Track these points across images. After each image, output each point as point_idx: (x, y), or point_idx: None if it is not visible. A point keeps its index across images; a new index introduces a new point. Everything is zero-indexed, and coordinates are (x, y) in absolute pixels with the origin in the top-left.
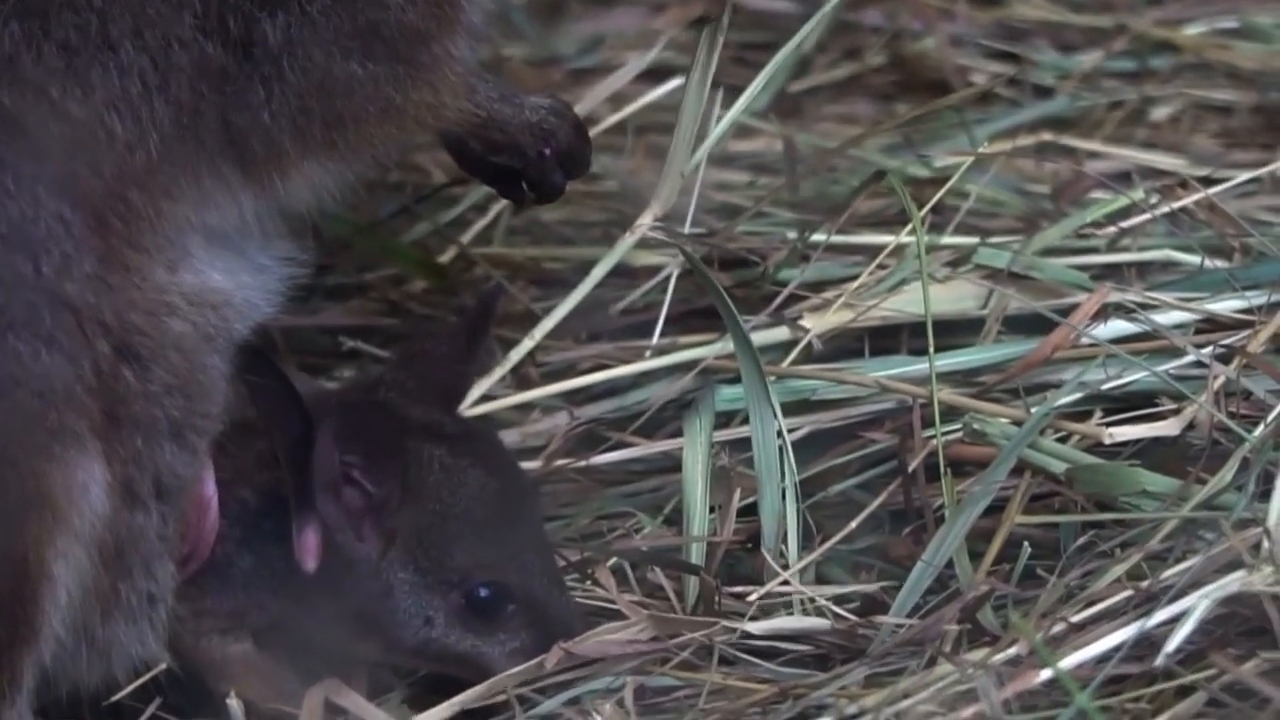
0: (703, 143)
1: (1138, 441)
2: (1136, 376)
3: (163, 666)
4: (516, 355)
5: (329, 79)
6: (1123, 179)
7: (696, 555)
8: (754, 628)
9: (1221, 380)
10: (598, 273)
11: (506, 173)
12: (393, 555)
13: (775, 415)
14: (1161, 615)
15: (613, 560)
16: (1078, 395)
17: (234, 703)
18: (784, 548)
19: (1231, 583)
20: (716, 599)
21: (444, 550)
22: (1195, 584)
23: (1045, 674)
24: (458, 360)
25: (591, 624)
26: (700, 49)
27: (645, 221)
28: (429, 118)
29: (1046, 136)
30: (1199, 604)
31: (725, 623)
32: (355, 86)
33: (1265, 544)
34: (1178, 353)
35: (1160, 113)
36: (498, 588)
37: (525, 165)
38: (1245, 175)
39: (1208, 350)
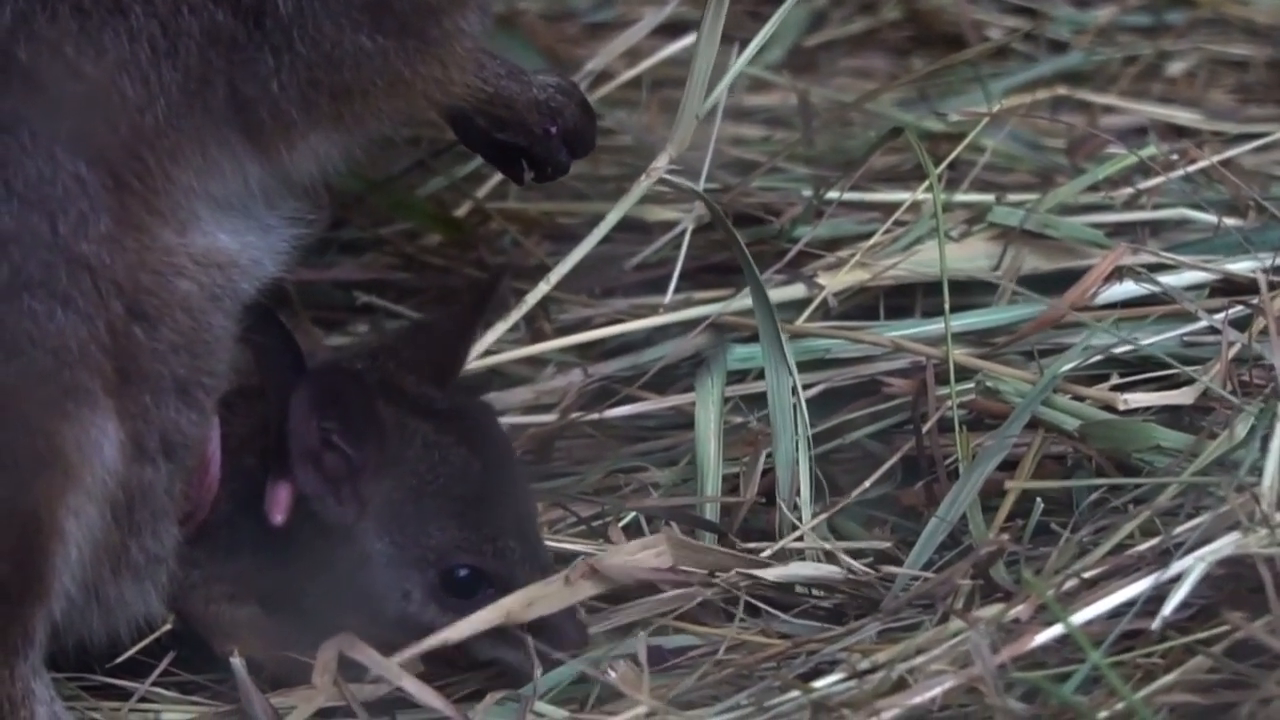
0: (719, 92)
1: (1150, 408)
2: (1151, 340)
3: (168, 627)
4: (532, 299)
5: (338, 51)
6: (1138, 134)
7: (711, 513)
8: (769, 574)
9: (1237, 347)
10: (612, 217)
11: (509, 149)
12: (367, 524)
13: (790, 371)
14: (1172, 573)
15: (630, 516)
16: (1094, 359)
17: (238, 661)
18: (797, 501)
19: (1227, 545)
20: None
21: (420, 527)
22: (1206, 541)
23: (1054, 631)
24: (456, 335)
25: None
26: None
27: (661, 164)
28: (436, 92)
29: (1062, 91)
30: (1195, 566)
31: (740, 568)
32: (364, 59)
33: (1259, 507)
34: (1193, 314)
35: (1176, 67)
36: (475, 571)
37: (531, 143)
38: (1265, 138)
39: (1220, 316)
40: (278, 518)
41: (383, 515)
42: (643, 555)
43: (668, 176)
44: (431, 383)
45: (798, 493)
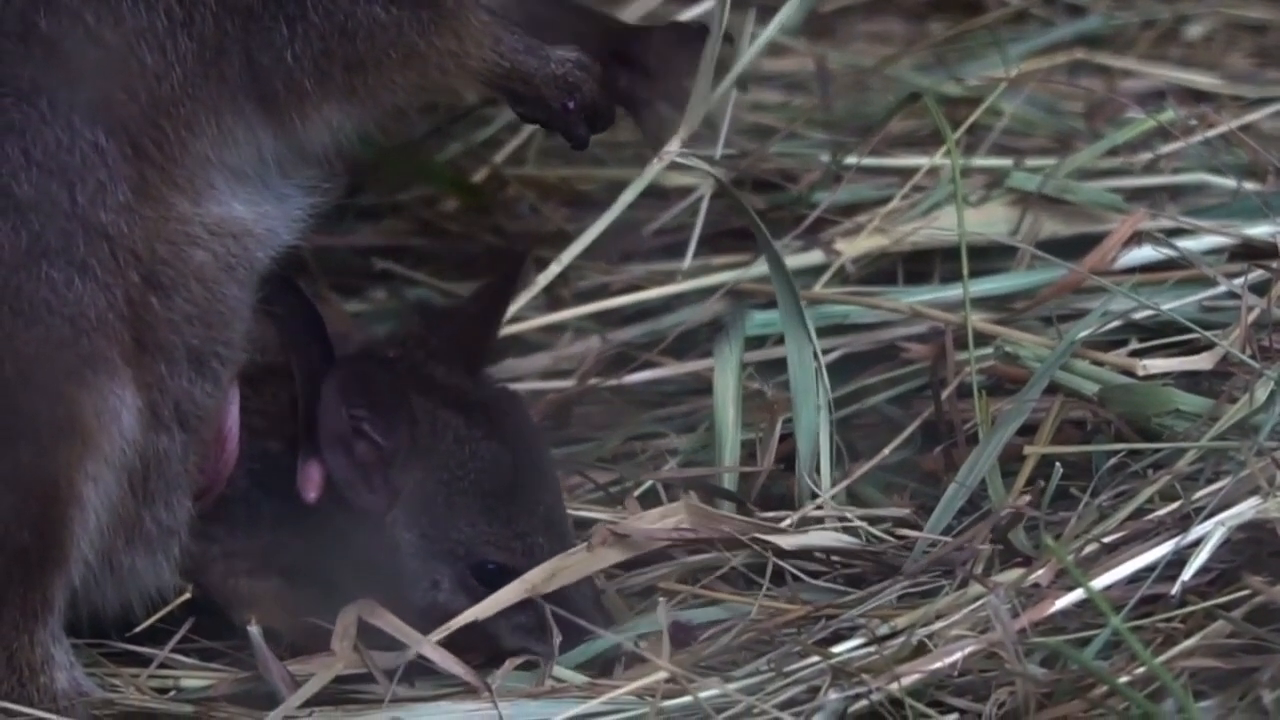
0: (732, 77)
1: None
2: (1170, 305)
3: (187, 595)
4: (544, 279)
5: (352, 21)
6: (1157, 98)
7: (729, 482)
8: (786, 542)
9: (1256, 312)
10: (626, 197)
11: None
12: (398, 513)
13: (810, 338)
14: (1192, 537)
15: (647, 484)
16: (1114, 324)
17: (255, 629)
18: (817, 470)
19: (1247, 510)
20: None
21: (449, 521)
22: (1226, 505)
23: (1074, 596)
24: (483, 323)
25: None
26: None
27: (673, 148)
28: (452, 66)
29: (1080, 55)
30: (1215, 530)
31: (759, 534)
32: (377, 30)
33: (1279, 472)
34: (1212, 279)
35: (1194, 31)
36: (503, 566)
37: (549, 118)
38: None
39: (1240, 281)
40: (311, 494)
41: (412, 506)
42: (663, 523)
43: (679, 159)
44: (461, 371)
45: (818, 461)
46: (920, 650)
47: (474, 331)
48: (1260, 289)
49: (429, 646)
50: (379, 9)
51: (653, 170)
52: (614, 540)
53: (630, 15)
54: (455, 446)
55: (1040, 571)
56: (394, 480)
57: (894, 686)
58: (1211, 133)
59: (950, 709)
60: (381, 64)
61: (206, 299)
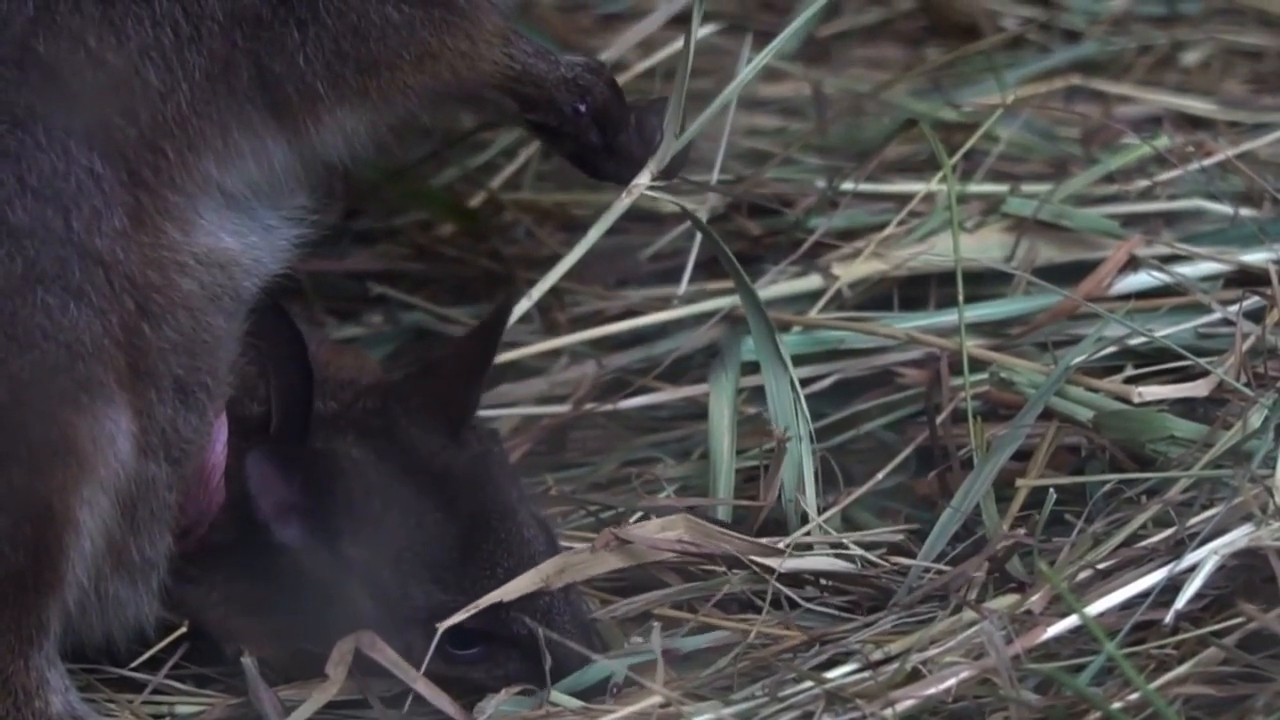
0: (712, 111)
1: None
2: (1165, 332)
3: (184, 630)
4: (518, 312)
5: (364, 22)
6: (1153, 124)
7: (724, 514)
8: (780, 564)
9: (1251, 339)
10: (594, 234)
11: (546, 131)
12: (356, 584)
13: (787, 368)
14: (1186, 564)
15: (638, 515)
16: (1110, 350)
17: (248, 660)
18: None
19: (1240, 537)
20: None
21: (401, 591)
22: (1220, 532)
23: (1068, 622)
24: (465, 378)
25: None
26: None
27: (643, 181)
28: (464, 68)
29: (1076, 81)
30: (1209, 557)
31: (756, 556)
32: (390, 30)
33: (1273, 499)
34: (1207, 305)
35: (1190, 57)
36: (465, 630)
37: (561, 122)
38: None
39: (1235, 307)
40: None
41: (365, 578)
42: (661, 536)
43: (649, 193)
44: (438, 432)
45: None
46: (914, 676)
47: (457, 391)
48: (1256, 316)
49: (424, 683)
50: (391, 9)
51: (622, 204)
52: (616, 545)
53: (628, 40)
54: (401, 518)
55: (1034, 597)
56: (345, 552)
57: (888, 712)
58: (1208, 160)
59: None
60: (394, 65)
61: (193, 328)
